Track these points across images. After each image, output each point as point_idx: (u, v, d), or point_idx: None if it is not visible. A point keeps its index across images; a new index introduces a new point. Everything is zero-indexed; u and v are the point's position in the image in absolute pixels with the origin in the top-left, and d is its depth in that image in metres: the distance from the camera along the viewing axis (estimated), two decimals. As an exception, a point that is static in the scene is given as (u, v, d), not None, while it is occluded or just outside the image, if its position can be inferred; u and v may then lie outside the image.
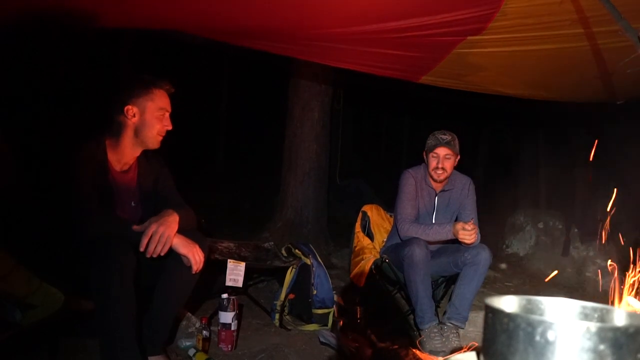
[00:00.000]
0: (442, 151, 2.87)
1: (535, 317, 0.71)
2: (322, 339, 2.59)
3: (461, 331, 2.73)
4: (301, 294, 2.97)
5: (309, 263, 2.99)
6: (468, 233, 2.65)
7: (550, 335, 0.68)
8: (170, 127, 2.13)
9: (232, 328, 2.44)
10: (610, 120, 4.31)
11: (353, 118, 7.81)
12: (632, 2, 2.02)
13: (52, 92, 3.77)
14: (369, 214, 3.36)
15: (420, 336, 2.67)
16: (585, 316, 0.85)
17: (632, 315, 0.80)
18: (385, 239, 3.27)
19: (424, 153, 2.96)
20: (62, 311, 1.85)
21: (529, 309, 0.86)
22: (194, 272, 2.01)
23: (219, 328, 2.46)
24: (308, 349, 2.59)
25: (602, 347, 0.67)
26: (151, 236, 1.89)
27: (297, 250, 3.12)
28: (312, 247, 3.21)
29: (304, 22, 2.49)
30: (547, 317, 0.82)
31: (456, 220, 2.95)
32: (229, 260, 2.72)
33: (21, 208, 1.97)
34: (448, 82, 3.44)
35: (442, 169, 2.88)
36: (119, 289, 1.77)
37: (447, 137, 2.87)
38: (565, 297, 0.88)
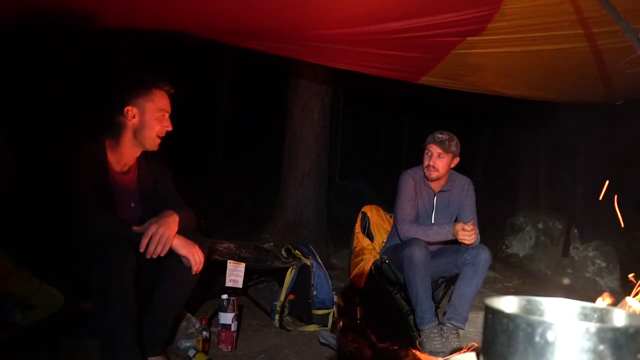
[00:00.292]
0: (434, 149, 2.88)
1: (535, 317, 0.71)
2: (322, 340, 2.59)
3: (461, 332, 2.73)
4: (301, 295, 2.97)
5: (309, 264, 2.99)
6: (468, 233, 2.66)
7: (550, 336, 0.69)
8: (170, 128, 2.13)
9: (232, 329, 2.44)
10: (610, 120, 4.31)
11: (353, 118, 7.79)
12: (632, 3, 2.02)
13: (52, 92, 3.77)
14: (368, 214, 3.36)
15: (420, 337, 2.67)
16: (585, 317, 0.85)
17: (631, 315, 0.80)
18: (385, 240, 3.27)
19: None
20: (62, 311, 1.85)
21: (529, 310, 0.86)
22: (194, 273, 2.02)
23: (219, 329, 2.46)
24: (308, 350, 2.59)
25: (601, 347, 0.67)
26: (151, 237, 1.89)
27: (297, 251, 3.12)
28: (312, 247, 3.21)
29: (303, 23, 2.49)
30: (547, 317, 0.82)
31: (456, 220, 2.96)
32: (228, 261, 2.72)
33: (21, 208, 1.98)
34: (448, 83, 3.44)
35: (434, 167, 2.89)
36: (119, 289, 1.77)
37: (443, 136, 2.87)
38: (565, 297, 0.88)
